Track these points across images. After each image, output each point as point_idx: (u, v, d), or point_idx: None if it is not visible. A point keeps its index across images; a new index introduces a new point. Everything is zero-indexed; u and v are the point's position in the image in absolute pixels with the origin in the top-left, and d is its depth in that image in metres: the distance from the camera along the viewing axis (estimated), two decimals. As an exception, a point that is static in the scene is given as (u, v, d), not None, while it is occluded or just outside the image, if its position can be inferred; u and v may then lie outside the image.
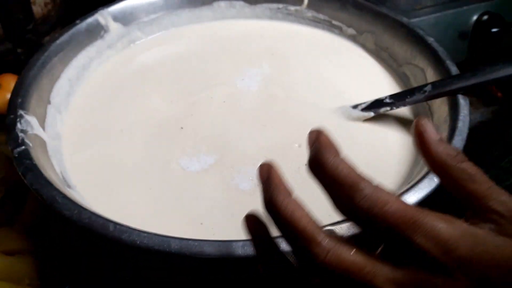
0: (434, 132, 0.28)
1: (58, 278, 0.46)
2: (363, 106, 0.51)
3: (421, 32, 0.55)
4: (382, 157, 0.47)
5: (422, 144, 0.28)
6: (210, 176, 0.45)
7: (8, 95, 0.60)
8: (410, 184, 0.39)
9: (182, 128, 0.50)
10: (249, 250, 0.33)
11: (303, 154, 0.47)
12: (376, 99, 0.51)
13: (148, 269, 0.39)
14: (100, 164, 0.46)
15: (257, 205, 0.42)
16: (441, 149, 0.28)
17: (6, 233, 0.47)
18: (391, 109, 0.49)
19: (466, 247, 0.24)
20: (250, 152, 0.47)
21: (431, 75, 0.52)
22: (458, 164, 0.27)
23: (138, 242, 0.33)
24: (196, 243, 0.33)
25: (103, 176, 0.45)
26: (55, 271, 0.46)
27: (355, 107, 0.51)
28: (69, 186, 0.43)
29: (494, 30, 0.66)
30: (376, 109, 0.50)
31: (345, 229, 0.33)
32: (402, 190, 0.37)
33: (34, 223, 0.49)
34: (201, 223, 0.41)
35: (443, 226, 0.24)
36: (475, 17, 0.68)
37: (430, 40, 0.53)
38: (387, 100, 0.50)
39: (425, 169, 0.41)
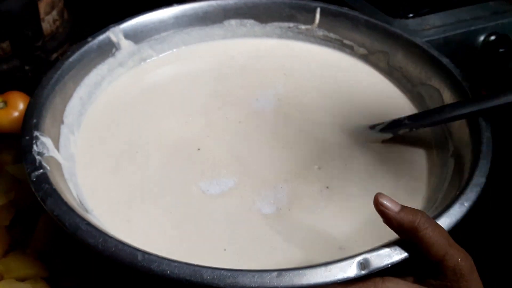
0: (392, 202, 0.34)
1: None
2: (381, 126, 0.50)
3: (435, 53, 0.55)
4: (404, 179, 0.47)
5: (385, 219, 0.34)
6: (231, 200, 0.44)
7: (15, 113, 0.60)
8: (440, 209, 0.38)
9: (199, 149, 0.49)
10: (284, 280, 0.32)
11: (324, 176, 0.47)
12: (394, 119, 0.50)
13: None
14: (115, 187, 0.45)
15: (280, 229, 0.41)
16: (405, 219, 0.33)
17: (18, 258, 0.46)
18: (410, 130, 0.49)
19: None
20: (270, 175, 0.46)
21: (448, 96, 0.52)
22: (420, 231, 0.33)
23: (168, 272, 0.32)
24: (229, 273, 0.32)
25: (120, 200, 0.44)
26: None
27: (372, 127, 0.51)
28: (86, 211, 0.41)
29: (501, 50, 0.67)
30: (395, 130, 0.50)
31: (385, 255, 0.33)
32: (433, 215, 0.37)
33: (46, 247, 0.47)
34: (225, 249, 0.40)
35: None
36: (482, 38, 0.68)
37: (445, 61, 0.53)
38: (406, 121, 0.49)
39: (452, 194, 0.41)
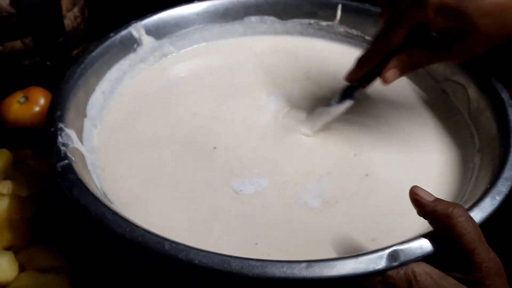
0: (427, 193, 0.34)
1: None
2: (337, 99, 0.50)
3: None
4: (427, 177, 0.46)
5: (419, 207, 0.34)
6: (268, 197, 0.44)
7: (36, 108, 0.60)
8: (469, 203, 0.37)
9: (224, 147, 0.48)
10: (313, 271, 0.31)
11: (363, 161, 0.47)
12: (346, 86, 0.50)
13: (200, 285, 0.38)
14: (137, 181, 0.45)
15: (328, 222, 0.41)
16: (439, 207, 0.33)
17: (40, 250, 0.46)
18: (363, 88, 0.49)
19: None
20: (308, 168, 0.46)
21: (473, 92, 0.51)
22: (453, 219, 0.32)
23: (196, 262, 0.32)
24: (258, 263, 0.31)
25: (142, 193, 0.44)
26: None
27: (329, 104, 0.50)
28: (110, 202, 0.41)
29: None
30: (352, 95, 0.49)
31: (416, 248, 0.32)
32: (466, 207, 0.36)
33: (67, 239, 0.47)
34: (256, 243, 0.39)
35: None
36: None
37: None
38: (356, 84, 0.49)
39: (481, 188, 0.40)
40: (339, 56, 0.62)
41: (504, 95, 0.47)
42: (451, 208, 0.33)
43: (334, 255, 0.33)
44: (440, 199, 0.34)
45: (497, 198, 0.37)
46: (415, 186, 0.35)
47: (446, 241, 0.33)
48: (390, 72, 0.45)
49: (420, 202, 0.34)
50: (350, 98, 0.49)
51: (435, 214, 0.33)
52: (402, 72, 0.45)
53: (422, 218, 0.34)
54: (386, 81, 0.45)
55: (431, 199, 0.34)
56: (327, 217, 0.42)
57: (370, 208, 0.42)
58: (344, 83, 0.50)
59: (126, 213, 0.41)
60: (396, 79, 0.45)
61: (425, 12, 0.41)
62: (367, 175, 0.46)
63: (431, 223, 0.34)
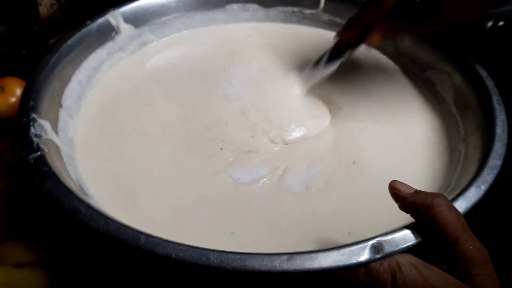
0: (406, 186, 0.34)
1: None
2: (325, 59, 0.51)
3: (447, 36, 0.53)
4: (417, 163, 0.46)
5: (399, 200, 0.34)
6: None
7: (12, 99, 0.58)
8: (454, 192, 0.37)
9: (205, 135, 0.47)
10: (294, 264, 0.30)
11: (351, 148, 0.46)
12: (333, 47, 0.51)
13: (177, 281, 0.37)
14: (118, 173, 0.44)
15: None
16: (418, 198, 0.33)
17: (15, 245, 0.44)
18: (350, 51, 0.50)
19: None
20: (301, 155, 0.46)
21: (459, 80, 0.50)
22: (434, 209, 0.32)
23: (173, 256, 0.30)
24: (237, 257, 0.30)
25: (123, 185, 0.43)
26: (66, 283, 0.43)
27: (316, 63, 0.52)
28: (86, 195, 0.40)
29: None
30: (339, 58, 0.50)
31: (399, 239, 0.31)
32: (450, 198, 0.35)
33: (43, 234, 0.46)
34: (232, 233, 0.38)
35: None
36: (490, 24, 0.67)
37: (455, 45, 0.52)
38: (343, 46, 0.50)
39: (466, 178, 0.39)
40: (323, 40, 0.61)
41: (489, 83, 0.47)
42: (431, 198, 0.32)
43: (311, 246, 0.32)
44: (419, 190, 0.33)
45: (482, 187, 0.36)
46: (394, 180, 0.34)
47: (429, 232, 0.33)
48: (374, 36, 0.47)
49: (399, 195, 0.34)
50: (338, 58, 0.50)
51: (415, 206, 0.33)
52: (385, 37, 0.48)
53: (404, 214, 0.34)
54: (370, 43, 0.48)
55: (410, 191, 0.33)
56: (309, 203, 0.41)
57: (354, 198, 0.42)
58: (331, 45, 0.51)
59: (107, 208, 0.40)
60: (379, 43, 0.48)
61: None
62: (354, 162, 0.45)
63: (412, 215, 0.33)
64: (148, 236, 0.31)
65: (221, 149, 0.46)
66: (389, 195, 0.34)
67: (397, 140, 0.49)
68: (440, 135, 0.49)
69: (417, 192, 0.33)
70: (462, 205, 0.35)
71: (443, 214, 0.32)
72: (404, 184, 0.34)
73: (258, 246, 0.37)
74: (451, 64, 0.52)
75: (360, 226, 0.39)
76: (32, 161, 0.37)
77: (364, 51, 0.53)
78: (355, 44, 0.50)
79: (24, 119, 0.41)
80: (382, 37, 0.48)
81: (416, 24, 0.47)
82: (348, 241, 0.32)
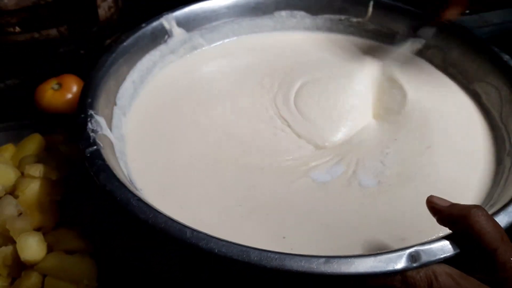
0: (442, 200, 0.34)
1: (116, 280, 0.45)
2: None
3: (495, 49, 0.53)
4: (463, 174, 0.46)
5: (436, 214, 0.34)
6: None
7: (68, 95, 0.61)
8: (497, 206, 0.37)
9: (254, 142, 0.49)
10: (331, 267, 0.31)
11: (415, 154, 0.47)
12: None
13: (220, 277, 0.38)
14: (165, 170, 0.46)
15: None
16: (454, 210, 0.33)
17: (67, 232, 0.47)
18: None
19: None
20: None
21: (507, 94, 0.49)
22: (471, 219, 0.32)
23: (216, 251, 0.32)
24: (276, 256, 0.32)
25: (170, 182, 0.45)
26: (113, 272, 0.46)
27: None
28: (136, 189, 0.42)
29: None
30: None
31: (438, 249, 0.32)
32: (491, 212, 0.35)
33: (93, 223, 0.48)
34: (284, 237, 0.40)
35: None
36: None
37: (506, 57, 0.51)
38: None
39: (510, 192, 0.39)
40: (369, 52, 0.62)
41: (538, 98, 0.46)
42: (468, 209, 0.32)
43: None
44: (456, 203, 0.34)
45: (525, 203, 0.36)
46: (431, 195, 0.35)
47: (467, 243, 0.33)
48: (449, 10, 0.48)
49: (436, 208, 0.34)
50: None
51: (453, 218, 0.33)
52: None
53: None
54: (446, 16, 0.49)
55: (447, 204, 0.34)
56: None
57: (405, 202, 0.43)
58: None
59: (155, 203, 0.42)
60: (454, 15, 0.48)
61: None
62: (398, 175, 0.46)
63: (450, 227, 0.34)
64: (193, 230, 0.33)
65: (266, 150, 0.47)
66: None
67: (439, 150, 0.48)
68: (485, 147, 0.49)
69: (453, 204, 0.34)
70: (503, 219, 0.35)
71: (481, 224, 0.32)
72: (441, 198, 0.35)
73: (305, 250, 0.38)
74: (499, 77, 0.51)
75: (414, 232, 0.39)
76: (88, 155, 0.40)
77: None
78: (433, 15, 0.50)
79: (82, 115, 0.44)
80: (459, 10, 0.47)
81: None
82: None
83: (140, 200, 0.36)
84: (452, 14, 0.47)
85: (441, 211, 0.34)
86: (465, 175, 0.45)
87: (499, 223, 0.33)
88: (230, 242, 0.32)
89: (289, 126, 0.51)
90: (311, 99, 0.54)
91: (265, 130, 0.50)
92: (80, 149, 0.41)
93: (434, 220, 0.35)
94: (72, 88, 0.62)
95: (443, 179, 0.45)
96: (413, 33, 0.58)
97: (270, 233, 0.39)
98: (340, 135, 0.49)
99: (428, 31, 0.51)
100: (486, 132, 0.50)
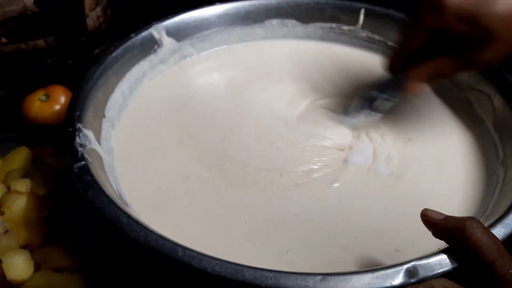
0: (436, 213, 0.34)
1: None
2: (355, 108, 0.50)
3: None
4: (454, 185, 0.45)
5: (431, 227, 0.34)
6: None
7: (56, 107, 0.60)
8: (492, 218, 0.36)
9: (244, 153, 0.48)
10: (328, 285, 0.30)
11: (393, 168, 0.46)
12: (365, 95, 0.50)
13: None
14: (155, 186, 0.45)
15: None
16: (449, 222, 0.33)
17: (55, 249, 0.46)
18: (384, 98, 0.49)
19: None
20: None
21: (499, 102, 0.49)
22: (467, 232, 0.31)
23: (209, 270, 0.31)
24: (271, 274, 0.31)
25: (159, 198, 0.44)
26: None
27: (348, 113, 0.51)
28: (126, 205, 0.41)
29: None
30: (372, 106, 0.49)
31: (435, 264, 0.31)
32: (486, 224, 0.35)
33: (82, 239, 0.47)
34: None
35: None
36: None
37: (498, 65, 0.51)
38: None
39: (505, 203, 0.38)
40: (361, 61, 0.61)
41: (532, 106, 0.46)
42: (463, 222, 0.32)
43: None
44: (451, 216, 0.33)
45: (522, 214, 0.35)
46: (425, 208, 0.34)
47: (465, 256, 0.32)
48: (410, 83, 0.45)
49: (431, 222, 0.34)
50: (371, 109, 0.49)
51: (448, 231, 0.32)
52: (423, 82, 0.45)
53: None
54: (408, 91, 0.46)
55: (441, 217, 0.33)
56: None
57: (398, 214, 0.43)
58: (362, 91, 0.50)
59: (142, 217, 0.41)
60: (418, 89, 0.45)
61: (442, 17, 0.41)
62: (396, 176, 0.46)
63: (446, 241, 0.33)
64: (185, 249, 0.32)
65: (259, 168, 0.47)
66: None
67: (432, 160, 0.48)
68: (477, 157, 0.49)
69: (448, 217, 0.33)
70: (500, 231, 0.34)
71: (477, 236, 0.31)
72: (435, 211, 0.34)
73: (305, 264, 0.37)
74: (491, 85, 0.51)
75: (407, 243, 0.39)
76: (76, 170, 0.39)
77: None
78: (389, 92, 0.48)
79: (70, 129, 0.43)
80: (419, 83, 0.45)
81: (459, 60, 0.43)
82: (397, 259, 0.33)
83: (130, 217, 0.35)
84: (414, 88, 0.45)
85: (436, 224, 0.33)
86: (457, 186, 0.45)
87: (496, 235, 0.33)
88: (224, 261, 0.31)
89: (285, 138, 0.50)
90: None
91: (260, 143, 0.49)
92: (68, 164, 0.40)
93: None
94: (60, 99, 0.61)
95: (434, 191, 0.44)
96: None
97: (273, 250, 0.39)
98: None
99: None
100: (477, 141, 0.50)
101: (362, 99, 0.50)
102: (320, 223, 0.41)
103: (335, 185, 0.45)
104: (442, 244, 0.34)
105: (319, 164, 0.47)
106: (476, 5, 0.39)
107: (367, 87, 0.52)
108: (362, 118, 0.50)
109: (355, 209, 0.43)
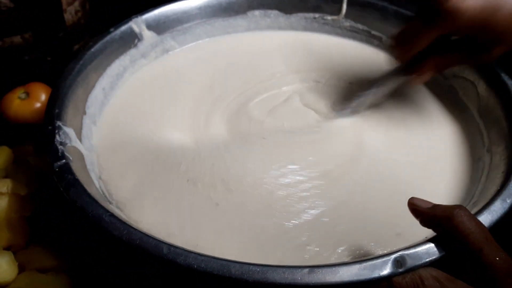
0: (424, 202, 0.34)
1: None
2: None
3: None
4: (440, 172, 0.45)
5: (419, 216, 0.34)
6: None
7: (37, 104, 0.59)
8: (479, 204, 0.36)
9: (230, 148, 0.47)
10: (316, 277, 0.30)
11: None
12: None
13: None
14: (138, 182, 0.44)
15: None
16: (437, 210, 0.33)
17: (39, 250, 0.45)
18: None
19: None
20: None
21: (483, 89, 0.49)
22: (454, 220, 0.31)
23: (195, 266, 0.31)
24: (258, 269, 0.30)
25: (142, 195, 0.43)
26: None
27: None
28: (109, 203, 0.40)
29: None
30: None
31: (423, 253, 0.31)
32: (473, 211, 0.35)
33: (66, 239, 0.46)
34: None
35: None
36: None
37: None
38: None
39: (491, 190, 0.39)
40: (345, 51, 0.61)
41: (515, 93, 0.46)
42: (450, 210, 0.32)
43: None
44: (438, 204, 0.33)
45: (508, 201, 0.35)
46: (412, 197, 0.34)
47: (452, 244, 0.32)
48: (426, 72, 0.47)
49: (418, 210, 0.34)
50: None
51: (436, 219, 0.32)
52: (429, 75, 0.47)
53: None
54: (414, 83, 0.49)
55: (429, 206, 0.33)
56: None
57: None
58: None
59: (128, 214, 0.40)
60: (422, 82, 0.49)
61: (455, 24, 0.42)
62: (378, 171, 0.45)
63: (434, 229, 0.33)
64: (170, 246, 0.32)
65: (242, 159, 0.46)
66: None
67: (418, 148, 0.48)
68: (463, 144, 0.49)
69: (436, 205, 0.33)
70: (487, 218, 0.34)
71: (464, 224, 0.31)
72: (422, 200, 0.34)
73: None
74: (475, 72, 0.51)
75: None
76: (57, 169, 0.38)
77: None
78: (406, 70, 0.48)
79: (50, 127, 0.42)
80: (433, 72, 0.47)
81: (464, 56, 0.46)
82: (398, 244, 0.33)
83: (112, 215, 0.34)
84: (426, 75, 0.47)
85: (424, 213, 0.33)
86: (443, 173, 0.45)
87: (483, 222, 0.33)
88: (209, 257, 0.31)
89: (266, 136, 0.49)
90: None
91: (246, 136, 0.48)
92: (49, 163, 0.39)
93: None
94: (41, 96, 0.59)
95: (419, 180, 0.44)
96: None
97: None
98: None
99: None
100: (463, 129, 0.50)
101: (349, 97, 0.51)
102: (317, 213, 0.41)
103: (329, 174, 0.45)
104: (430, 232, 0.34)
105: (311, 158, 0.46)
106: (487, 13, 0.41)
107: (356, 81, 0.52)
108: (348, 112, 0.50)
109: (351, 198, 0.43)
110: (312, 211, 0.41)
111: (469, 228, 0.31)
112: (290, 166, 0.45)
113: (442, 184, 0.44)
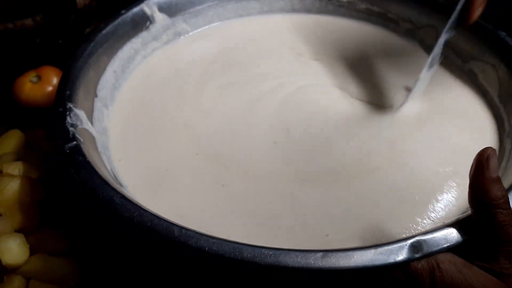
0: (495, 169, 0.30)
1: (102, 281, 0.43)
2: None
3: (490, 26, 0.51)
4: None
5: (477, 177, 0.30)
6: None
7: (49, 88, 0.59)
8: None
9: (243, 133, 0.47)
10: (330, 261, 0.29)
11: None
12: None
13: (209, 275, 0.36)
14: (150, 166, 0.43)
15: None
16: (493, 189, 0.30)
17: (50, 234, 0.45)
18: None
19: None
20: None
21: (504, 73, 0.48)
22: (497, 209, 0.30)
23: (206, 249, 0.30)
24: (271, 252, 0.30)
25: (153, 179, 0.42)
26: (100, 274, 0.44)
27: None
28: (121, 185, 0.40)
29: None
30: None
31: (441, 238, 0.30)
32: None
33: (76, 223, 0.46)
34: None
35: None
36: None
37: (503, 34, 0.49)
38: None
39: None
40: (361, 34, 0.59)
41: (538, 76, 0.44)
42: (502, 197, 0.30)
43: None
44: (500, 182, 0.31)
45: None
46: (490, 148, 0.31)
47: (474, 232, 0.31)
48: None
49: (482, 173, 0.30)
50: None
51: (484, 197, 0.30)
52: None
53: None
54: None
55: (494, 175, 0.30)
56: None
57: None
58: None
59: (139, 197, 0.40)
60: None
61: None
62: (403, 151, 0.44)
63: (473, 201, 0.31)
64: (181, 228, 0.31)
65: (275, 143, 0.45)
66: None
67: (438, 131, 0.47)
68: (482, 128, 0.47)
69: (498, 180, 0.30)
70: (508, 205, 0.33)
71: (503, 216, 0.30)
72: (496, 162, 0.31)
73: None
74: (496, 55, 0.49)
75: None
76: (67, 151, 0.38)
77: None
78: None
79: (60, 109, 0.41)
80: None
81: None
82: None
83: (123, 197, 0.33)
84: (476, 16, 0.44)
85: (484, 181, 0.30)
86: (461, 158, 0.44)
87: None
88: (221, 239, 0.30)
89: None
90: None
91: (259, 121, 0.48)
92: (59, 145, 0.39)
93: None
94: (52, 80, 0.59)
95: (438, 161, 0.43)
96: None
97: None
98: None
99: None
100: (484, 113, 0.48)
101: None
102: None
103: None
104: (450, 217, 0.32)
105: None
106: None
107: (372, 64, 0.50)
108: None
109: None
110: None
111: (506, 221, 0.30)
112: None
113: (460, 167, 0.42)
